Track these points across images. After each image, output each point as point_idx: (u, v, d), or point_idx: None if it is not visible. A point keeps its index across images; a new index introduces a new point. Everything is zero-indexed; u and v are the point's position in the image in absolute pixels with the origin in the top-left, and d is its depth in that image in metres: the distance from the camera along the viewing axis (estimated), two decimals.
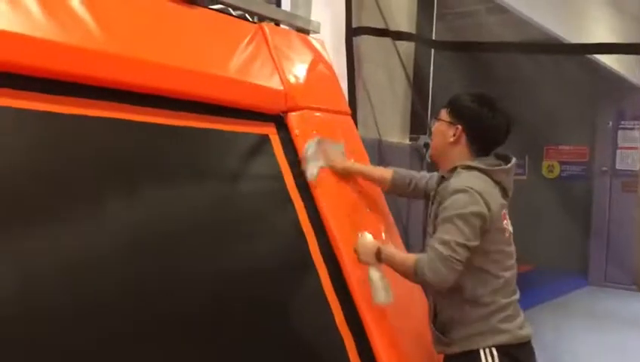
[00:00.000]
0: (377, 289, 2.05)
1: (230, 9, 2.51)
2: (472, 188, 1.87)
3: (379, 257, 2.02)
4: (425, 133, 3.96)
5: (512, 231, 2.02)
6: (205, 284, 1.83)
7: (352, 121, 2.74)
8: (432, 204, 2.06)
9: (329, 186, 2.34)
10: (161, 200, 1.83)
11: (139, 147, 1.85)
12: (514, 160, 2.03)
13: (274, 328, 1.96)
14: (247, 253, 2.01)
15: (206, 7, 2.32)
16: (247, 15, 2.59)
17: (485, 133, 2.01)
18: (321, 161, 2.34)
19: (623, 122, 8.45)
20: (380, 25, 3.79)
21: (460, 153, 2.01)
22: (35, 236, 1.50)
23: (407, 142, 4.16)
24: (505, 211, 1.99)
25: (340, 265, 2.21)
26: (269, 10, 2.66)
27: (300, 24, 2.77)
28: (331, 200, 2.31)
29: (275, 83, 2.36)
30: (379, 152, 3.75)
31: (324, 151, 2.37)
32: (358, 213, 2.37)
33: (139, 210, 1.75)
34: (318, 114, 2.48)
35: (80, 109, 1.72)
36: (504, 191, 1.99)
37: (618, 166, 8.43)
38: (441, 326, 2.02)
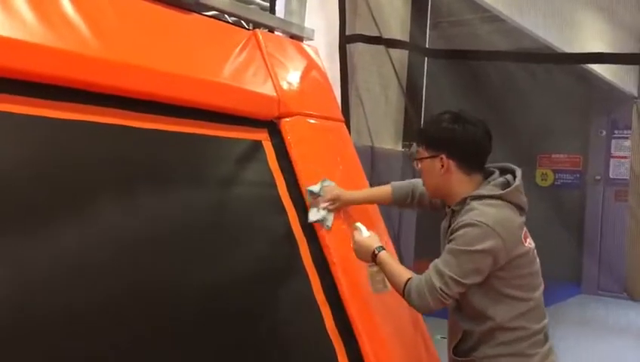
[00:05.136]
0: (374, 281, 2.05)
1: (226, 16, 2.53)
2: (485, 222, 1.79)
3: (374, 259, 1.99)
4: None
5: (534, 246, 1.94)
6: (195, 289, 1.83)
7: (345, 128, 2.75)
8: (445, 221, 1.99)
9: None
10: (154, 205, 1.84)
11: (131, 152, 1.85)
12: (519, 172, 1.94)
13: (264, 334, 1.96)
14: (238, 258, 2.01)
15: (201, 13, 2.33)
16: (242, 22, 2.60)
17: (468, 149, 1.93)
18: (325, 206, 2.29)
19: (616, 131, 8.50)
20: (374, 33, 3.82)
21: (459, 181, 1.93)
22: (32, 240, 1.50)
23: (400, 148, 4.19)
24: (525, 230, 1.90)
25: (331, 271, 2.23)
26: (263, 17, 2.67)
27: (293, 31, 2.78)
28: None
29: (268, 89, 2.37)
30: (372, 159, 3.77)
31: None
32: (350, 220, 2.38)
33: (130, 216, 1.75)
34: (311, 120, 2.49)
35: (73, 114, 1.72)
36: (521, 209, 1.91)
37: (611, 175, 8.48)
38: (463, 352, 1.94)
